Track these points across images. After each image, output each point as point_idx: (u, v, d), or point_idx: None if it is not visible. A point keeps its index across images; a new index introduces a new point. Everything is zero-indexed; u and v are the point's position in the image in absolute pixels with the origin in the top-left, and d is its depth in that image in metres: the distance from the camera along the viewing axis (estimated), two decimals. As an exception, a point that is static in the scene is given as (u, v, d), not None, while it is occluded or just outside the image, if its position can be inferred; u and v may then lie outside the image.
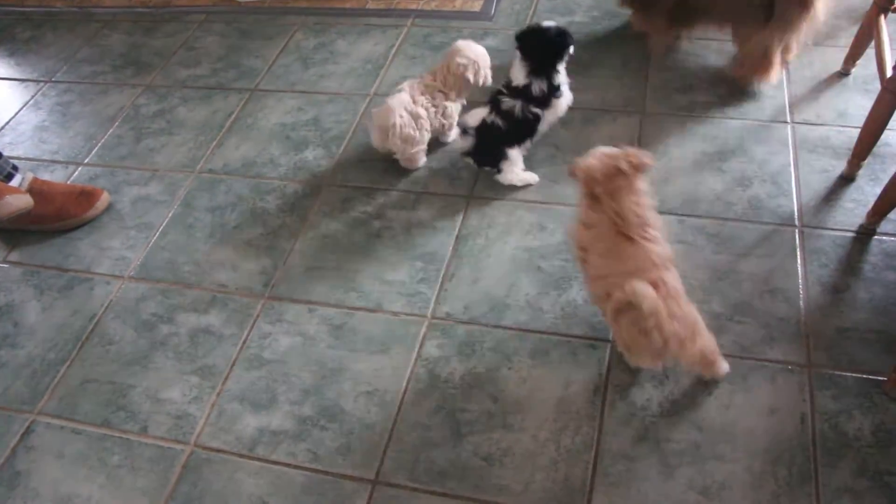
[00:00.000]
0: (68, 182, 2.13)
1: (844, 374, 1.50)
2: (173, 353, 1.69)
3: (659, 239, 1.40)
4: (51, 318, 1.80)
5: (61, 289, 1.85)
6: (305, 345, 1.66)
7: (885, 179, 1.72)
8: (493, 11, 2.55)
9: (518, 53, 1.87)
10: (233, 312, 1.75)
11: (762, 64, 2.03)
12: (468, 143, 1.89)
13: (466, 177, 1.99)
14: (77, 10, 2.87)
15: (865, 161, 1.86)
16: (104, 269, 1.90)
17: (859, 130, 1.84)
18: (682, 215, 1.82)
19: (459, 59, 1.94)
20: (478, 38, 2.43)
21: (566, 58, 1.88)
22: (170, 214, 2.00)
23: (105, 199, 2.04)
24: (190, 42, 2.62)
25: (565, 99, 1.93)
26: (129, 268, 1.89)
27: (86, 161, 2.20)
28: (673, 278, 1.37)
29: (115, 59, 2.59)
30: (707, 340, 1.40)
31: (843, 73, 2.16)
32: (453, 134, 2.05)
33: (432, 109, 1.95)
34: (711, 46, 2.30)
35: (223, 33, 2.64)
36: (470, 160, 1.94)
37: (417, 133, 1.92)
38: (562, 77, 1.90)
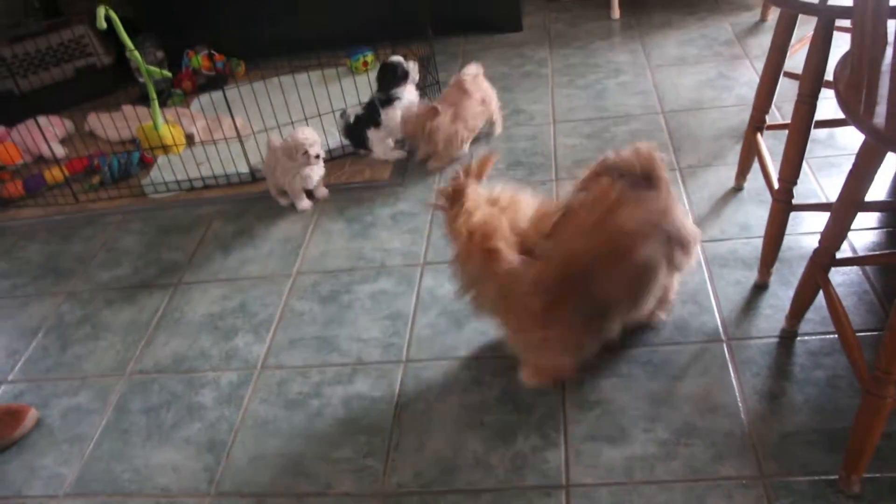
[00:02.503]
0: (-7, 404, 2.07)
1: (798, 478, 1.51)
2: (118, 573, 1.60)
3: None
4: (-18, 556, 1.70)
5: (-9, 521, 1.76)
6: (257, 540, 1.60)
7: (796, 282, 1.80)
8: (402, 178, 2.66)
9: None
10: (178, 517, 1.68)
11: None
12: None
13: (398, 342, 2.00)
14: (-9, 227, 2.87)
15: (774, 268, 1.95)
16: (37, 491, 1.81)
17: (762, 240, 1.94)
18: (612, 349, 1.86)
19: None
20: (390, 204, 2.53)
21: (398, 82, 2.75)
22: (103, 422, 1.95)
23: (33, 415, 1.97)
24: (109, 244, 2.63)
25: (398, 105, 2.73)
26: (64, 484, 1.81)
27: (9, 378, 2.14)
28: None
29: (34, 270, 2.58)
30: None
31: (737, 188, 2.30)
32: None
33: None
34: (613, 179, 2.43)
35: (141, 231, 2.66)
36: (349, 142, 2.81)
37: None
38: (401, 93, 2.75)
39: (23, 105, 3.31)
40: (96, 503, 1.75)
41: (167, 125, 3.03)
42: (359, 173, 2.73)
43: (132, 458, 1.84)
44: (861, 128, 1.34)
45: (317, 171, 2.57)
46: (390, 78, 2.75)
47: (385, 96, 2.71)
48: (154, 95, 2.96)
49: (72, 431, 1.94)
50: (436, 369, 1.90)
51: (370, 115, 2.70)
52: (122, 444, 1.88)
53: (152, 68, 2.97)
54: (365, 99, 2.78)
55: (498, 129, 2.82)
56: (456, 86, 2.70)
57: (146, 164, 3.02)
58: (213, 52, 3.54)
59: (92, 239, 2.68)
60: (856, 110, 1.34)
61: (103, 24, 2.76)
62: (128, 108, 3.29)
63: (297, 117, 2.80)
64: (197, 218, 2.67)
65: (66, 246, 2.68)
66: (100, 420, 1.96)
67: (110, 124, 3.18)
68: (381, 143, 2.74)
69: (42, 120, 3.18)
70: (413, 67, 2.80)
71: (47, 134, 3.14)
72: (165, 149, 2.98)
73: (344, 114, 2.78)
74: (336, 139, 2.85)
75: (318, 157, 2.51)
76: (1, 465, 1.89)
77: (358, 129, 2.75)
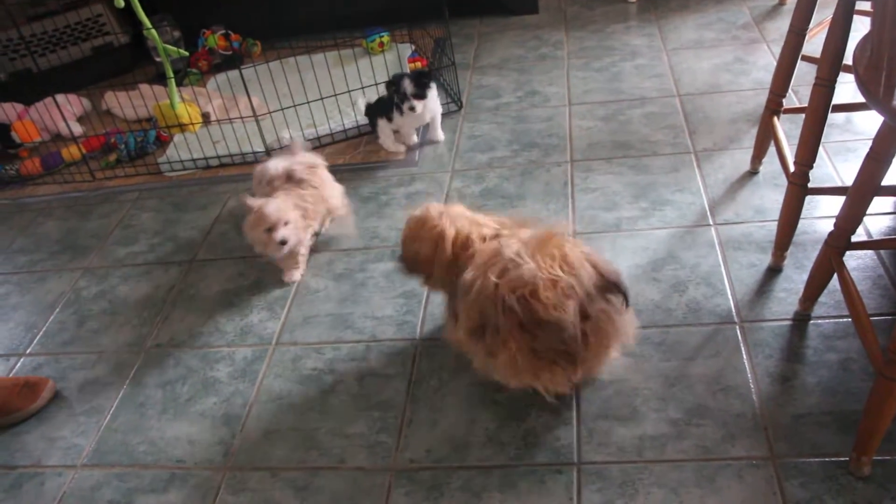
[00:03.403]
0: (10, 375, 2.09)
1: (808, 460, 1.52)
2: (135, 542, 1.63)
3: None
4: (1, 523, 1.73)
5: (9, 488, 1.79)
6: (271, 512, 1.62)
7: (810, 265, 1.80)
8: (417, 158, 2.67)
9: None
10: (194, 488, 1.70)
11: None
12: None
13: (412, 321, 2.01)
14: (10, 202, 2.90)
15: (788, 251, 1.95)
16: (55, 461, 1.84)
17: (777, 223, 1.94)
18: (626, 327, 1.87)
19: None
20: (405, 183, 2.54)
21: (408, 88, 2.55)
22: (119, 395, 1.97)
23: (51, 387, 2.00)
24: (125, 221, 2.65)
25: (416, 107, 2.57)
26: (81, 456, 1.83)
27: (28, 351, 2.17)
28: None
29: (52, 246, 2.61)
30: None
31: (753, 171, 2.29)
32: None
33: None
34: (627, 163, 2.43)
35: (157, 209, 2.68)
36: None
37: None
38: (418, 105, 2.56)
39: (41, 83, 3.33)
40: (113, 474, 1.78)
41: (184, 104, 3.04)
42: (374, 153, 2.73)
43: (148, 430, 1.86)
44: (880, 110, 1.33)
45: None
46: (417, 84, 2.57)
47: (402, 99, 2.58)
48: (171, 74, 2.97)
49: (89, 404, 1.97)
50: (449, 348, 1.91)
51: (384, 107, 2.69)
52: (138, 416, 1.90)
53: (169, 47, 2.98)
54: (385, 82, 2.73)
55: (349, 230, 2.40)
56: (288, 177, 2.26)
57: (162, 143, 3.04)
58: (229, 31, 3.55)
59: (108, 216, 2.71)
60: (875, 92, 1.33)
61: (121, 3, 2.77)
62: (144, 87, 3.30)
63: (312, 96, 2.81)
64: (213, 196, 2.69)
65: (82, 222, 2.70)
66: (116, 393, 1.98)
67: (127, 103, 3.20)
68: (388, 137, 2.73)
69: (60, 98, 3.20)
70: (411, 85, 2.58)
71: (65, 112, 3.17)
72: (182, 127, 3.00)
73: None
74: (351, 119, 2.85)
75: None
76: (20, 436, 1.92)
77: (371, 112, 2.76)
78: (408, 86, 2.54)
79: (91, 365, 2.09)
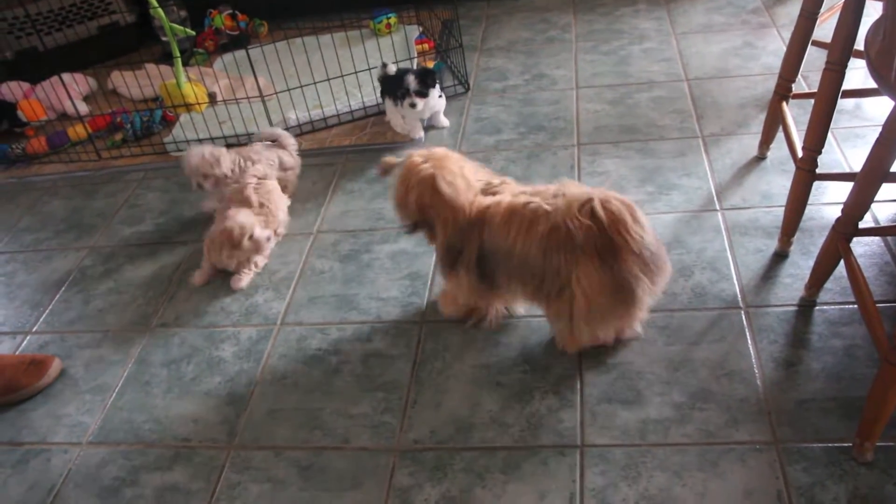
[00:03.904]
0: (17, 353, 2.10)
1: (811, 445, 1.52)
2: (140, 518, 1.64)
3: None
4: (5, 499, 1.73)
5: (15, 464, 1.80)
6: (276, 490, 1.63)
7: (816, 251, 1.79)
8: (423, 140, 2.66)
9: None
10: (198, 466, 1.71)
11: None
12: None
13: (418, 302, 2.02)
14: (16, 181, 2.90)
15: (795, 237, 1.94)
16: (61, 438, 1.85)
17: (784, 209, 1.93)
18: (631, 311, 1.87)
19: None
20: (412, 164, 2.53)
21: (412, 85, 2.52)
22: (125, 374, 1.98)
23: (57, 365, 2.01)
24: (131, 200, 2.66)
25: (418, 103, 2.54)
26: (86, 433, 1.84)
27: (34, 329, 2.18)
28: None
29: (58, 225, 2.61)
30: None
31: (760, 157, 2.28)
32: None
33: None
34: (634, 147, 2.42)
35: (163, 188, 2.68)
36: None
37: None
38: (417, 101, 2.53)
39: (47, 62, 3.33)
40: (118, 452, 1.79)
41: (190, 83, 3.04)
42: (380, 135, 2.73)
43: (153, 408, 1.87)
44: (892, 94, 1.32)
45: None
46: (421, 82, 2.55)
47: (404, 94, 2.53)
48: (177, 53, 2.96)
49: (94, 382, 1.98)
50: (453, 329, 1.92)
51: (392, 86, 2.63)
52: (143, 395, 1.91)
53: (176, 26, 2.97)
54: (400, 60, 2.73)
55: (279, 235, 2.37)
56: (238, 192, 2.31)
57: (168, 122, 3.03)
58: (235, 11, 3.54)
59: (114, 195, 2.71)
60: (887, 77, 1.33)
61: (128, -19, 2.76)
62: (151, 67, 3.30)
63: (319, 77, 2.80)
64: (218, 176, 2.68)
65: (88, 202, 2.70)
66: (122, 371, 1.99)
67: (133, 82, 3.20)
68: (395, 115, 2.71)
69: (66, 77, 3.19)
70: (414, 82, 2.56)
71: (71, 91, 3.16)
72: (188, 107, 2.99)
73: (385, 66, 2.69)
74: (358, 100, 2.85)
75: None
76: (26, 413, 1.93)
77: (385, 85, 2.72)
78: (412, 82, 2.52)
79: (97, 343, 2.09)
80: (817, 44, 2.15)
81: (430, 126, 2.74)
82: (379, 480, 1.60)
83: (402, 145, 2.64)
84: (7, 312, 2.26)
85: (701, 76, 2.75)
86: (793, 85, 2.08)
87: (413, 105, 2.53)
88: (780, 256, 1.95)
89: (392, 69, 2.64)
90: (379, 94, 2.78)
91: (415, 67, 2.73)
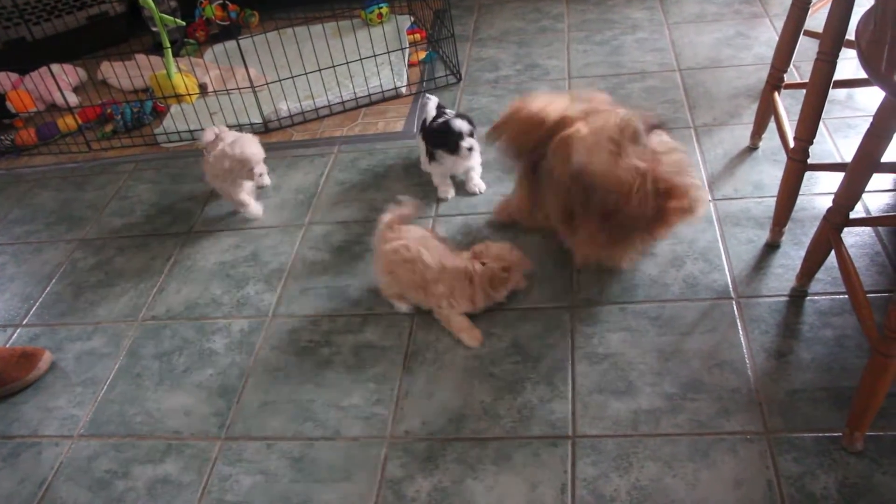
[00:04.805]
0: (7, 346, 2.09)
1: (802, 435, 1.52)
2: (131, 511, 1.64)
3: None
4: (-2, 492, 1.73)
5: (6, 457, 1.79)
6: (268, 482, 1.63)
7: (808, 242, 1.80)
8: (414, 132, 2.65)
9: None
10: (190, 458, 1.71)
11: None
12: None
13: (409, 291, 2.01)
14: (5, 173, 2.88)
15: (786, 227, 1.94)
16: (52, 431, 1.84)
17: (775, 199, 1.93)
18: (623, 303, 1.87)
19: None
20: (403, 156, 2.52)
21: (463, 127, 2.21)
22: (116, 366, 1.98)
23: (47, 358, 2.00)
24: (122, 192, 2.64)
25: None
26: (77, 426, 1.84)
27: (24, 322, 2.17)
28: None
29: (48, 217, 2.60)
30: None
31: (752, 147, 2.28)
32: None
33: None
34: (627, 137, 2.41)
35: (154, 180, 2.67)
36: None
37: None
38: (445, 159, 2.26)
39: (35, 52, 3.30)
40: (109, 444, 1.78)
41: (180, 74, 3.02)
42: (372, 125, 2.72)
43: (144, 401, 1.87)
44: (882, 84, 1.32)
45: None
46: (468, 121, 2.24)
47: (458, 139, 2.20)
48: (168, 44, 2.94)
49: (85, 375, 1.97)
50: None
51: (442, 139, 2.25)
52: (134, 387, 1.91)
53: (166, 17, 2.95)
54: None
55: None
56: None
57: (159, 113, 3.02)
58: (226, 1, 3.51)
59: (105, 187, 2.69)
60: (877, 67, 1.32)
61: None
62: (141, 57, 3.28)
63: (310, 68, 2.79)
64: (209, 168, 2.67)
65: (79, 193, 2.69)
66: (113, 364, 1.98)
67: (123, 73, 3.18)
68: (439, 174, 2.35)
69: (55, 68, 3.17)
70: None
71: (60, 82, 3.14)
72: (178, 98, 2.97)
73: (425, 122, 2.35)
74: (350, 90, 2.83)
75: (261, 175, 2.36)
76: (17, 406, 1.92)
77: (431, 140, 2.29)
78: (462, 125, 2.20)
79: (87, 336, 2.09)
80: (809, 34, 2.15)
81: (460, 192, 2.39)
82: (370, 472, 1.60)
83: (394, 136, 2.63)
84: (-3, 305, 2.26)
85: (693, 66, 2.75)
86: (785, 75, 2.08)
87: (471, 148, 2.22)
88: (772, 247, 1.95)
89: (432, 115, 2.33)
90: (425, 154, 2.33)
91: (446, 114, 2.32)
